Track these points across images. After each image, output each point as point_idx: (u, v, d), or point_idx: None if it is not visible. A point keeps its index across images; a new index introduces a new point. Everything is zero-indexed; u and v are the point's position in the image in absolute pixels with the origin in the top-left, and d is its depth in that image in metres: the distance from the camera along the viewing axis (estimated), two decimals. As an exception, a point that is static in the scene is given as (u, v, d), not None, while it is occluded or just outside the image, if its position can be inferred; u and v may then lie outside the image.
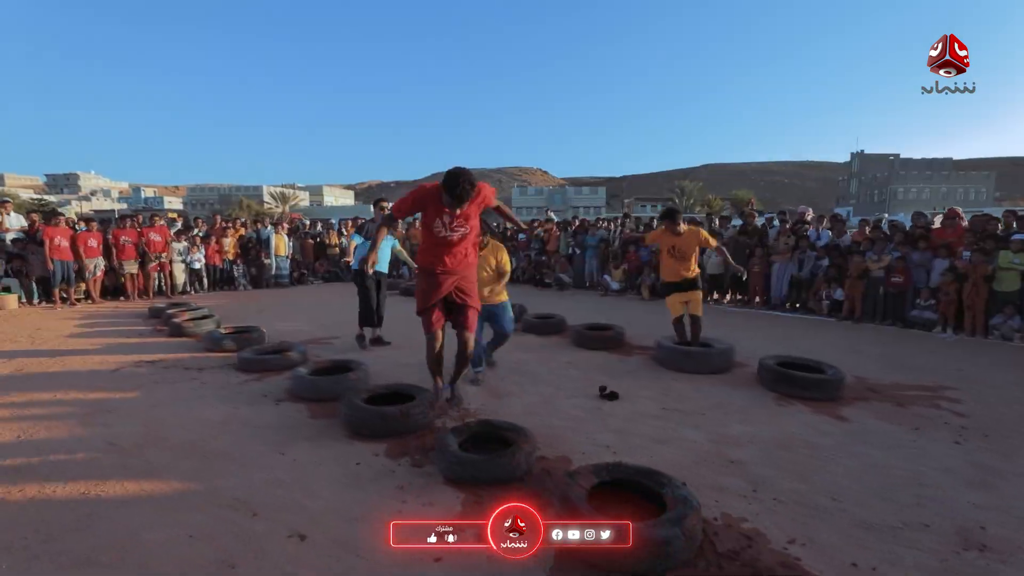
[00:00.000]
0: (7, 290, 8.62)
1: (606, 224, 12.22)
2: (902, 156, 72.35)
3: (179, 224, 11.28)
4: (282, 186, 74.24)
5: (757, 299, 9.21)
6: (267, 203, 65.21)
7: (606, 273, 11.03)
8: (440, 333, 3.18)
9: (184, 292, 10.50)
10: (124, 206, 66.81)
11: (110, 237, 9.47)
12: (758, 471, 2.96)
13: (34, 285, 8.96)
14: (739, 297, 9.63)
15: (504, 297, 4.53)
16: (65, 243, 8.66)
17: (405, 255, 6.37)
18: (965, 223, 7.67)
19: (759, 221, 9.83)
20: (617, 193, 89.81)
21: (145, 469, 2.83)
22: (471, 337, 3.18)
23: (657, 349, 5.28)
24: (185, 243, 10.57)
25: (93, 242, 9.03)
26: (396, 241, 6.08)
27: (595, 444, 3.29)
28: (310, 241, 13.01)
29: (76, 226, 9.69)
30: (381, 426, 3.29)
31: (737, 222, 10.11)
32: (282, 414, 3.69)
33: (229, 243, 11.20)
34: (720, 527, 2.41)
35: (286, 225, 12.71)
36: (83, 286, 9.24)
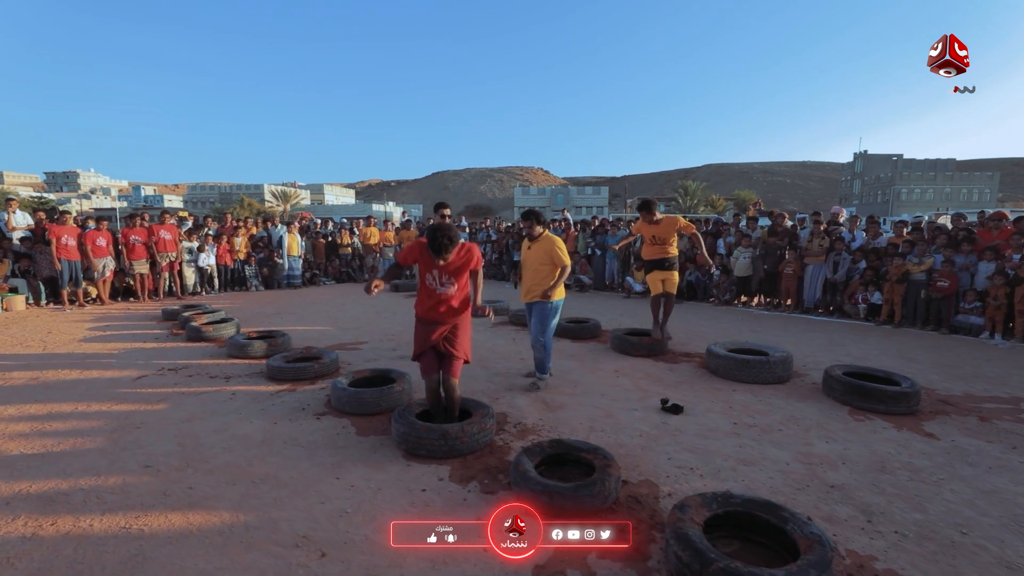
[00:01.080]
0: (14, 291, 8.30)
1: (626, 224, 11.92)
2: (905, 157, 72.23)
3: (189, 222, 10.95)
4: (283, 184, 73.86)
5: (788, 302, 8.93)
6: (268, 202, 64.89)
7: (628, 275, 10.74)
8: (435, 377, 3.25)
9: (194, 293, 10.19)
10: (124, 204, 66.39)
11: (119, 236, 9.15)
12: (865, 497, 2.68)
13: (41, 286, 8.65)
14: (766, 300, 9.35)
15: (555, 295, 4.28)
16: (72, 242, 8.34)
17: None
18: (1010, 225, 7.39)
19: (785, 222, 9.54)
20: (619, 193, 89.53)
21: (189, 497, 2.53)
22: (455, 384, 3.24)
23: (709, 357, 4.99)
24: (195, 242, 10.27)
25: (102, 241, 8.71)
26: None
27: (676, 465, 3.00)
28: (322, 240, 12.70)
29: (83, 224, 9.37)
30: (441, 446, 3.00)
31: (765, 222, 9.82)
32: (326, 430, 3.40)
33: (241, 242, 10.88)
34: (851, 568, 2.13)
35: (297, 224, 12.40)
36: (93, 289, 8.92)
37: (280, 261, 11.23)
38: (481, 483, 2.77)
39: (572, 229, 12.43)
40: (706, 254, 6.09)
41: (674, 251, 5.69)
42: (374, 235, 12.79)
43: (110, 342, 5.95)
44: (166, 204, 72.42)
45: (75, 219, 8.92)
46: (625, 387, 4.48)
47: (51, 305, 8.69)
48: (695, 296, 9.90)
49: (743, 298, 9.43)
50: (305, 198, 70.65)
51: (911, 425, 3.66)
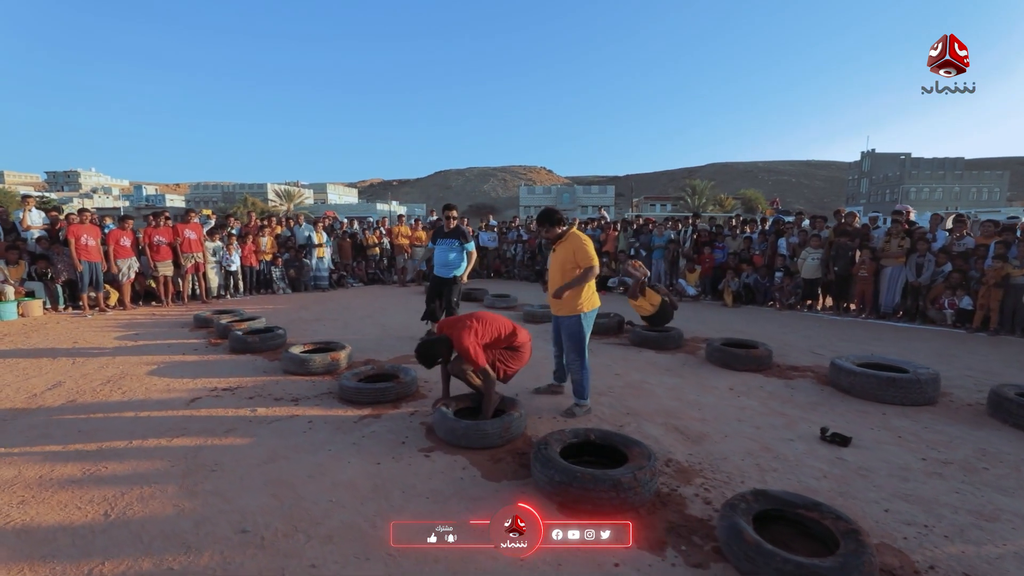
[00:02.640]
0: (31, 295, 7.67)
1: (673, 223, 11.30)
2: (913, 155, 71.62)
3: (212, 221, 10.29)
4: (286, 184, 73.22)
5: (855, 306, 8.31)
6: (271, 201, 64.21)
7: (680, 277, 10.13)
8: None
9: (219, 296, 9.55)
10: (126, 203, 65.75)
11: (141, 236, 8.52)
12: None
13: (60, 289, 8.01)
14: (830, 304, 8.73)
15: (586, 305, 3.69)
16: (93, 242, 7.70)
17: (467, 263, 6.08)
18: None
19: (856, 221, 8.91)
20: (624, 192, 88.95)
21: (318, 582, 1.90)
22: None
23: (837, 373, 4.37)
24: (218, 242, 9.63)
25: (126, 241, 8.07)
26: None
27: (903, 521, 2.39)
28: (347, 241, 12.06)
29: (103, 223, 8.75)
30: (612, 498, 2.37)
31: (832, 221, 9.18)
32: (445, 473, 2.77)
33: (267, 242, 10.24)
34: None
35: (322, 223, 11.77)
36: (114, 293, 8.29)
37: (308, 262, 10.59)
38: (678, 550, 2.15)
39: (613, 229, 11.81)
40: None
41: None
42: (404, 234, 12.15)
43: (146, 354, 5.32)
44: (168, 203, 71.72)
45: (93, 217, 8.26)
46: (756, 410, 3.86)
47: (70, 310, 8.06)
48: (753, 299, 9.28)
49: (807, 302, 8.80)
50: (308, 197, 69.97)
51: None
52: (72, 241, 7.57)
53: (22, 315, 7.42)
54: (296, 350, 4.76)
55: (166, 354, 5.33)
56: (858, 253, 8.29)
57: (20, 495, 2.49)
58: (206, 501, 2.43)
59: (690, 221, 10.79)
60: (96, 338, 6.09)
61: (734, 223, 10.64)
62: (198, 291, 9.21)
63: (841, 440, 3.26)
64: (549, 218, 3.78)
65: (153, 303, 8.84)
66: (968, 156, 75.42)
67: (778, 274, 9.10)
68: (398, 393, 3.87)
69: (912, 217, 8.84)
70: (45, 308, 7.79)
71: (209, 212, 11.99)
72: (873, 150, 75.58)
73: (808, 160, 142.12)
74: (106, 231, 8.25)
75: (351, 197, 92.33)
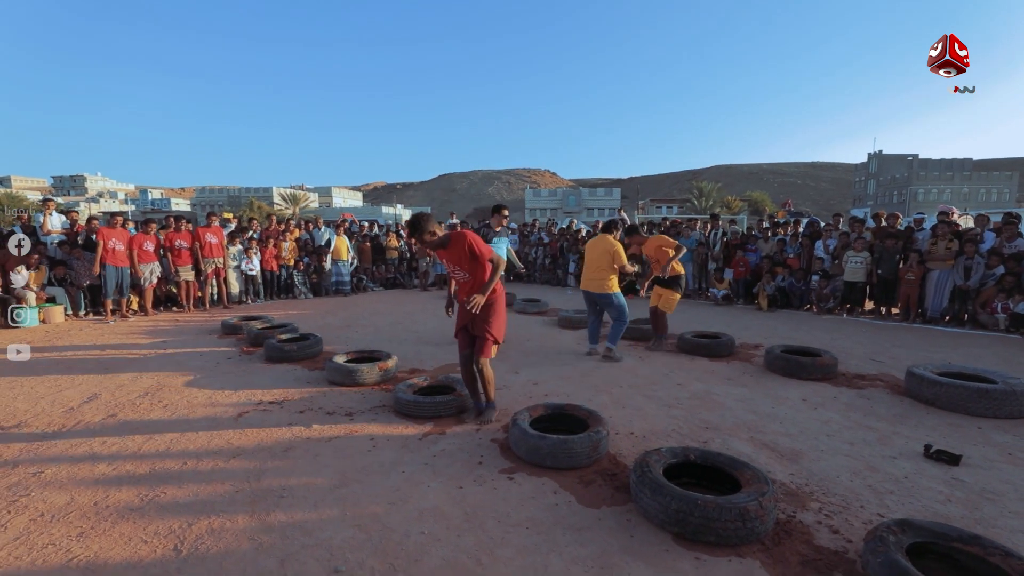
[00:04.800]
0: (51, 300, 7.47)
1: (701, 225, 11.05)
2: (920, 157, 71.22)
3: (232, 225, 10.10)
4: (292, 187, 73.25)
5: (898, 310, 8.05)
6: (277, 204, 64.23)
7: (711, 286, 9.89)
8: (467, 353, 3.47)
9: (240, 301, 9.35)
10: (132, 208, 65.82)
11: (163, 240, 8.32)
12: None
13: (81, 295, 7.81)
14: (869, 308, 8.47)
15: (608, 288, 5.08)
16: (121, 247, 7.51)
17: (513, 257, 6.69)
18: None
19: (898, 223, 8.65)
20: (628, 194, 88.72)
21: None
22: (483, 362, 3.38)
23: (917, 383, 4.10)
24: (240, 246, 9.43)
25: (149, 245, 7.88)
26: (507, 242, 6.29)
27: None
28: (367, 244, 11.85)
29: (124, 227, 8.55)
30: (738, 529, 2.13)
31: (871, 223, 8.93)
32: (535, 498, 2.53)
33: (288, 247, 10.03)
34: None
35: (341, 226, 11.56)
36: (135, 299, 8.09)
37: (328, 266, 10.38)
38: (827, 595, 1.90)
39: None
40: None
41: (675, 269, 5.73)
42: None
43: (179, 363, 5.10)
44: (173, 207, 71.82)
45: (123, 222, 8.06)
46: (841, 423, 3.61)
47: (91, 316, 7.86)
48: (788, 303, 9.02)
49: (847, 305, 8.53)
50: (314, 201, 69.95)
51: None
52: (101, 243, 7.38)
53: (43, 321, 7.22)
54: (340, 359, 4.53)
55: (200, 363, 5.11)
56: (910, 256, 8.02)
57: (78, 526, 2.26)
58: (284, 534, 2.20)
59: (718, 223, 10.53)
60: (123, 345, 5.88)
61: (765, 225, 10.39)
62: (219, 297, 9.01)
63: (950, 458, 3.01)
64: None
65: (174, 308, 8.64)
66: (976, 157, 74.91)
67: (814, 277, 8.85)
68: (459, 407, 3.63)
69: (955, 218, 8.59)
70: (66, 314, 7.59)
71: (230, 215, 11.79)
72: (880, 151, 75.23)
73: (813, 161, 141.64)
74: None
75: (356, 200, 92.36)
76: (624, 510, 2.44)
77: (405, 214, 49.94)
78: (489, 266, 3.29)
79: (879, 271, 8.08)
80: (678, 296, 5.81)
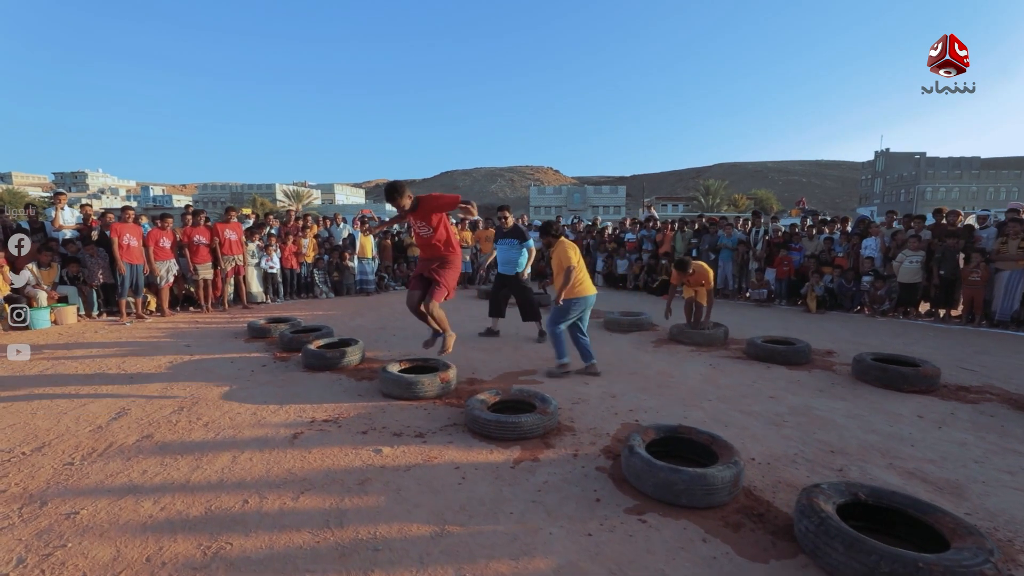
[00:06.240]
0: (64, 300, 7.01)
1: (742, 223, 10.58)
2: (928, 155, 70.60)
3: (250, 221, 9.62)
4: (295, 184, 72.77)
5: (960, 313, 7.58)
6: (280, 201, 63.77)
7: (750, 288, 9.43)
8: (416, 294, 3.99)
9: (260, 301, 8.89)
10: (134, 204, 65.30)
11: (180, 236, 7.85)
12: None
13: (95, 294, 7.35)
14: (937, 310, 7.99)
15: (573, 293, 4.46)
16: (136, 243, 7.04)
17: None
18: None
19: (959, 221, 8.17)
20: (633, 192, 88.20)
21: None
22: (433, 305, 3.82)
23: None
24: (259, 243, 8.97)
25: (166, 242, 7.40)
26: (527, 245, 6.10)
27: None
28: (388, 241, 11.38)
29: (138, 222, 8.09)
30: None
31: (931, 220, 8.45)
32: (686, 549, 2.06)
33: (308, 244, 9.57)
34: None
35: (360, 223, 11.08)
36: (152, 299, 7.63)
37: (352, 264, 9.92)
38: None
39: (669, 228, 11.09)
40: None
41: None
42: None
43: (210, 371, 4.64)
44: (175, 204, 71.31)
45: (135, 217, 7.59)
46: (980, 447, 3.16)
47: (105, 317, 7.40)
48: (837, 304, 8.55)
49: (905, 308, 8.06)
50: (317, 197, 69.42)
51: None
52: (115, 240, 6.92)
53: (55, 323, 6.76)
54: (394, 369, 4.07)
55: (232, 371, 4.65)
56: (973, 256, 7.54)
57: (132, 593, 1.80)
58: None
59: (760, 221, 10.06)
60: (144, 350, 5.42)
61: (809, 223, 9.92)
62: (239, 296, 8.55)
63: None
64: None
65: (191, 308, 8.18)
66: (984, 155, 74.19)
67: (866, 278, 8.38)
68: (546, 427, 3.18)
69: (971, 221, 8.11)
70: (79, 315, 7.13)
71: (248, 211, 11.32)
72: (887, 149, 74.59)
73: (819, 160, 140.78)
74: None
75: (358, 197, 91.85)
76: (797, 564, 1.98)
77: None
78: (448, 221, 3.98)
79: (941, 271, 7.61)
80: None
